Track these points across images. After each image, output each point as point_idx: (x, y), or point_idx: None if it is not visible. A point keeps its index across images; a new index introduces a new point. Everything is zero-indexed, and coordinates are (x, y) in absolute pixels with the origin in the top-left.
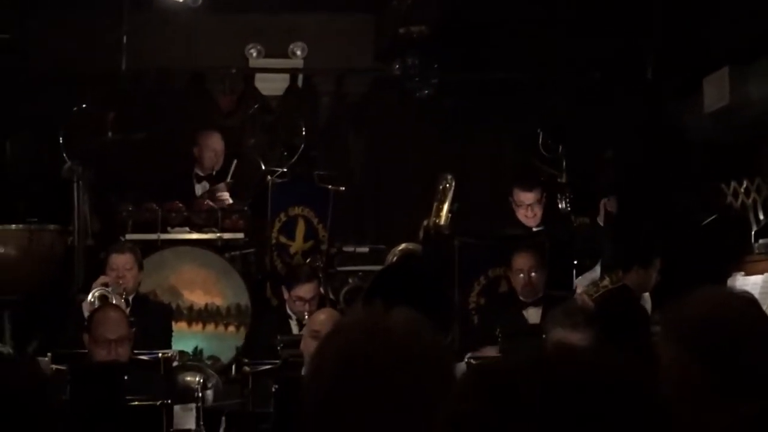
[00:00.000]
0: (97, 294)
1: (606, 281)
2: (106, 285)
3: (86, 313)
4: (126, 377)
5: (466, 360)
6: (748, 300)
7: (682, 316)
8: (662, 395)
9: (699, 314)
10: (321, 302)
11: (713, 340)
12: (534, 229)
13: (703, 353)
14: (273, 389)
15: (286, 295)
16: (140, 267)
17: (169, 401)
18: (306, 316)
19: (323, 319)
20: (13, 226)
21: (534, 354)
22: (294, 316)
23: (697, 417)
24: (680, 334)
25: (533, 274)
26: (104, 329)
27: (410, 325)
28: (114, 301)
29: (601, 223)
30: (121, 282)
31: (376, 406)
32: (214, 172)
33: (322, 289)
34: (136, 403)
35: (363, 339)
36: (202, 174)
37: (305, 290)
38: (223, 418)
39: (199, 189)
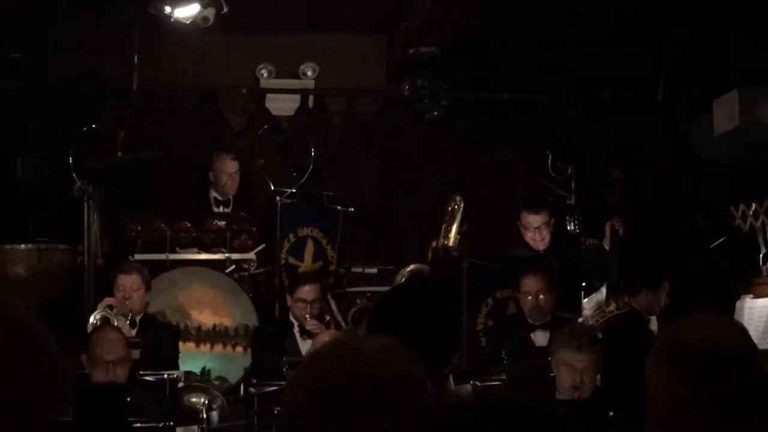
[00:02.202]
0: (98, 316)
1: (612, 306)
2: (110, 307)
3: None
4: (128, 398)
5: (471, 383)
6: (737, 328)
7: (672, 344)
8: None
9: (690, 342)
10: (327, 323)
11: (705, 369)
12: (542, 251)
13: (694, 381)
14: (275, 411)
15: (289, 302)
16: (148, 287)
17: (171, 423)
18: (307, 318)
19: (328, 341)
20: (23, 245)
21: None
22: (296, 323)
23: None
24: (671, 362)
25: (541, 296)
26: (102, 350)
27: (381, 352)
28: (116, 323)
29: (607, 246)
30: (127, 303)
31: None
32: (230, 197)
33: (333, 308)
34: (139, 425)
35: (333, 366)
36: (220, 198)
37: (306, 292)
38: None
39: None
